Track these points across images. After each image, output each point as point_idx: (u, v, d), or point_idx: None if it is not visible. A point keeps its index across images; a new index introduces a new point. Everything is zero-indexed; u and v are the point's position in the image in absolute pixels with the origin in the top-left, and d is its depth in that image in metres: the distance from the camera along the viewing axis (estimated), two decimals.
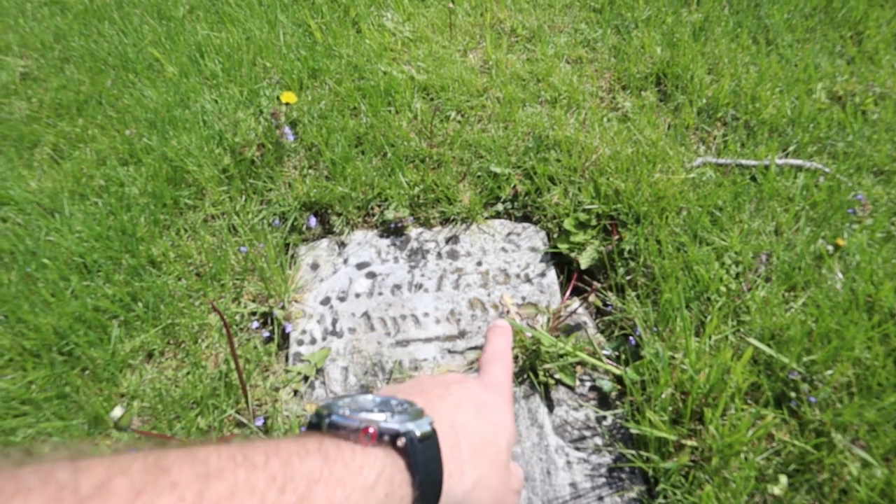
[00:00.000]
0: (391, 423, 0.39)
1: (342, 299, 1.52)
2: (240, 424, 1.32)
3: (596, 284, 1.47)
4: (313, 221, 1.69)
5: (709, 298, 1.35)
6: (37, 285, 1.56)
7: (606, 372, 1.32)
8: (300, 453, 0.34)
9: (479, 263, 1.56)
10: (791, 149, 1.70)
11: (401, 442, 0.38)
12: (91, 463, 0.26)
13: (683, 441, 1.14)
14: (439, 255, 1.59)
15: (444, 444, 0.41)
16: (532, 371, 1.33)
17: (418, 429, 0.39)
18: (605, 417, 1.27)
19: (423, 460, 0.39)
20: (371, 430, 0.38)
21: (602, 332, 1.44)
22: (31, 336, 1.47)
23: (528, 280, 1.52)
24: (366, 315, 1.48)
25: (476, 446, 0.44)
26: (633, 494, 1.16)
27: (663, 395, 1.18)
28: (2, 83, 2.34)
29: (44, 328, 1.46)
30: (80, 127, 2.07)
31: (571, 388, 1.32)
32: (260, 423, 1.30)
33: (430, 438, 0.40)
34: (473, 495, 0.43)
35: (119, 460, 0.27)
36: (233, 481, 0.29)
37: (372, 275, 1.56)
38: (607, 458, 1.21)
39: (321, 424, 0.39)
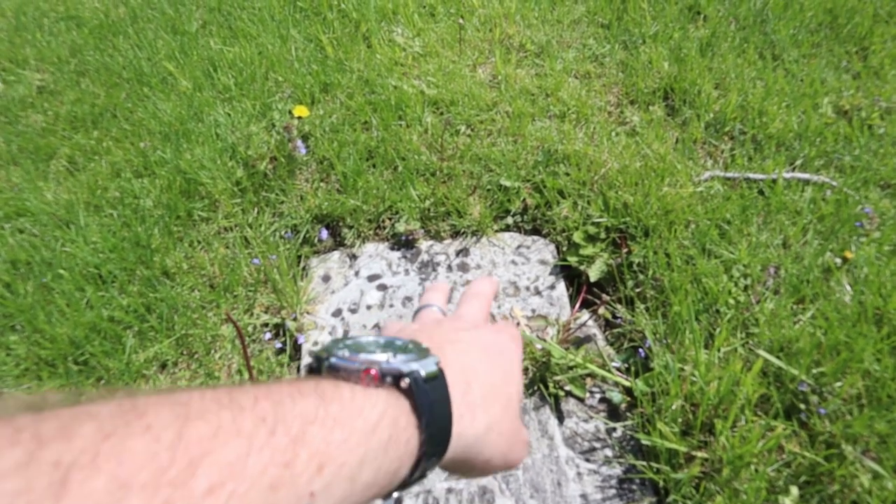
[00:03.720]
0: (394, 363, 0.36)
1: (353, 311, 1.54)
2: None
3: (605, 297, 1.48)
4: (325, 234, 1.71)
5: (718, 311, 1.36)
6: (53, 295, 1.59)
7: (616, 384, 1.33)
8: (293, 395, 0.31)
9: (489, 276, 1.58)
10: (798, 163, 1.71)
11: (404, 383, 0.35)
12: (57, 411, 0.24)
13: (694, 452, 1.14)
14: (450, 267, 1.61)
15: (454, 388, 0.38)
16: (542, 383, 1.34)
17: (423, 369, 0.36)
18: (615, 429, 1.28)
19: (429, 401, 0.36)
20: (373, 371, 0.35)
21: (611, 344, 1.45)
22: (47, 346, 1.49)
23: (538, 293, 1.54)
24: (377, 327, 1.49)
25: (488, 391, 0.42)
26: None
27: (673, 407, 1.19)
28: (19, 96, 2.39)
29: (59, 338, 1.49)
30: (95, 139, 2.11)
31: (581, 400, 1.33)
32: None
33: (437, 379, 0.37)
34: (486, 440, 0.41)
35: (89, 407, 0.24)
36: (216, 423, 0.26)
37: (383, 287, 1.58)
38: (618, 470, 1.22)
39: (320, 368, 0.36)
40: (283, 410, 0.29)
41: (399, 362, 0.36)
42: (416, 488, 1.20)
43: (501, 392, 0.44)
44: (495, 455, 0.42)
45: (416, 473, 0.36)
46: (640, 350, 1.35)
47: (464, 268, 1.60)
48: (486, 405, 0.41)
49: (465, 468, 0.42)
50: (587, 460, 1.23)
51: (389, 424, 0.34)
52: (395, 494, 0.37)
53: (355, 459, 0.31)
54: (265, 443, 0.27)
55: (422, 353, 0.39)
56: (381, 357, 0.36)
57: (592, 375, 1.34)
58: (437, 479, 1.21)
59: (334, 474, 0.29)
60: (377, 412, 0.33)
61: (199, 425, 0.26)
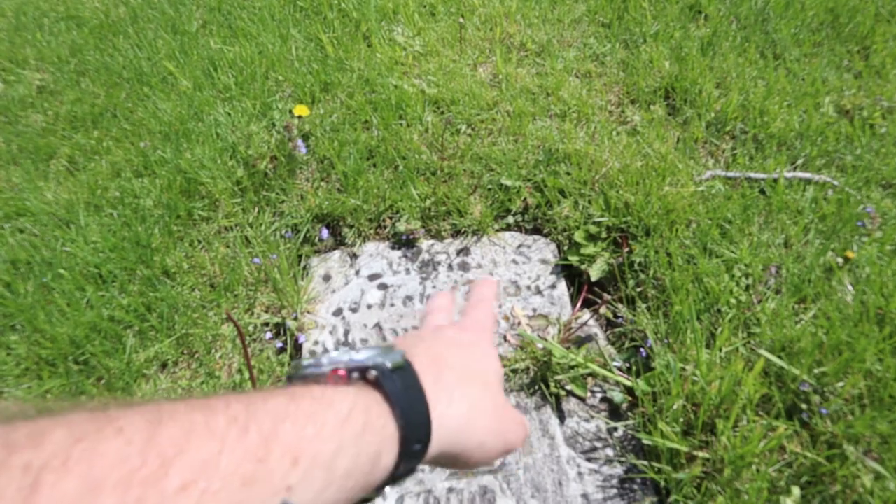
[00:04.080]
0: (358, 358, 0.37)
1: (354, 310, 1.53)
2: None
3: (606, 296, 1.48)
4: (325, 233, 1.71)
5: (719, 310, 1.35)
6: (53, 295, 1.58)
7: (617, 383, 1.33)
8: (265, 397, 0.32)
9: (490, 275, 1.58)
10: (799, 162, 1.71)
11: (371, 374, 0.37)
12: (29, 420, 0.24)
13: (695, 452, 1.14)
14: (450, 266, 1.61)
15: (425, 375, 0.39)
16: (543, 382, 1.34)
17: (389, 360, 0.38)
18: (616, 429, 1.27)
19: (400, 389, 0.37)
20: (340, 371, 0.37)
21: (613, 343, 1.45)
22: (48, 345, 1.48)
23: (539, 292, 1.53)
24: (378, 326, 1.49)
25: (461, 374, 0.43)
26: None
27: (675, 407, 1.18)
28: (19, 96, 2.39)
29: (60, 338, 1.48)
30: (96, 139, 2.10)
31: (582, 400, 1.33)
32: None
33: (404, 369, 0.38)
34: (472, 422, 0.41)
35: (63, 415, 0.25)
36: (189, 424, 0.27)
37: (384, 286, 1.58)
38: (619, 470, 1.22)
39: (293, 381, 0.38)
40: (254, 409, 0.30)
41: (363, 357, 0.37)
42: (416, 488, 1.20)
43: (476, 372, 0.45)
44: (487, 437, 0.42)
45: (402, 464, 0.36)
46: (642, 350, 1.35)
47: (464, 267, 1.60)
48: (462, 387, 0.42)
49: (463, 458, 0.42)
50: (588, 460, 1.23)
51: (362, 412, 0.34)
52: (387, 488, 0.37)
53: (330, 449, 0.31)
54: (238, 441, 0.28)
55: (386, 350, 0.40)
56: (345, 357, 0.38)
57: (593, 375, 1.34)
58: (438, 479, 1.21)
59: (309, 466, 0.30)
60: (348, 404, 0.34)
61: (171, 427, 0.26)
